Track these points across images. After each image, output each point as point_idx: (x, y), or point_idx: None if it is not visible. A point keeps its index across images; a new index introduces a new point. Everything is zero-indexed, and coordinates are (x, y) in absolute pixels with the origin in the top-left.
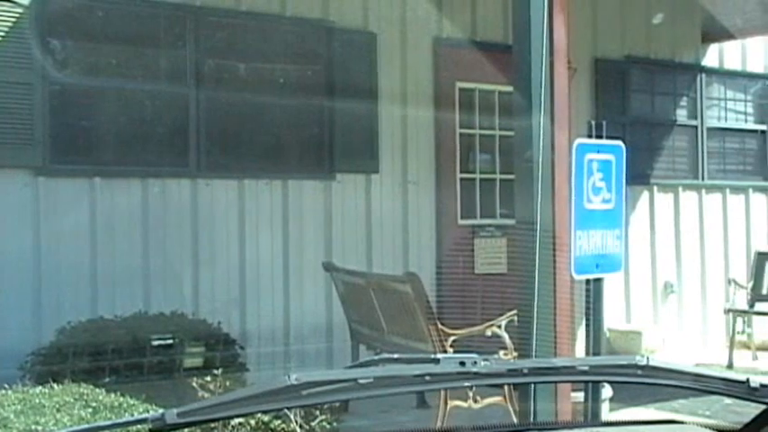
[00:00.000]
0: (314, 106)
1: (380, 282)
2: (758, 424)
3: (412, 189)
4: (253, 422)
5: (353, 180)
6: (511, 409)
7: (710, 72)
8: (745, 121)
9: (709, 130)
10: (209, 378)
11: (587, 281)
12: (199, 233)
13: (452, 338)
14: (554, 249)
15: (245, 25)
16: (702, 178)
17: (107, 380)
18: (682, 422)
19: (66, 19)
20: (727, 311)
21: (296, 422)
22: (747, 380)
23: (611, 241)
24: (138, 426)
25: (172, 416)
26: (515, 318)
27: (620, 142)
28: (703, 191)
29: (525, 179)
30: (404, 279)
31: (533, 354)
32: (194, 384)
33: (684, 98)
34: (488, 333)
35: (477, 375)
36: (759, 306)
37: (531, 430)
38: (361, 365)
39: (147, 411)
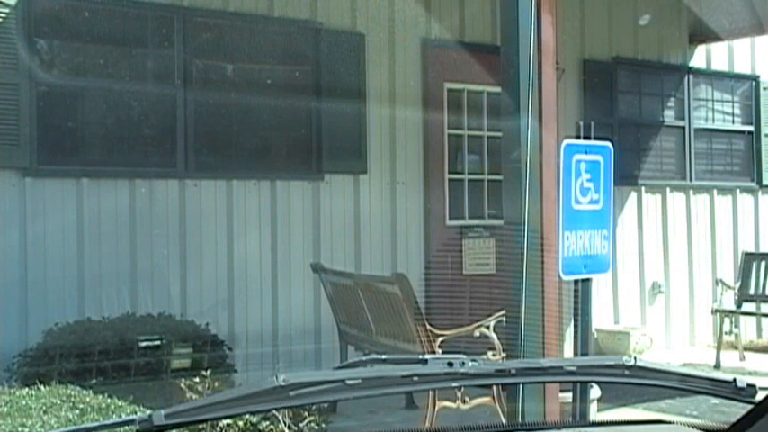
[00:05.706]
0: (302, 107)
1: (369, 282)
2: (744, 423)
3: (400, 190)
4: (241, 423)
5: (342, 180)
6: (499, 409)
7: (698, 73)
8: (733, 122)
9: (697, 130)
10: (197, 379)
11: (575, 281)
12: (187, 234)
13: (440, 339)
14: (542, 250)
15: (232, 26)
16: (690, 179)
17: (94, 381)
18: (669, 422)
19: (52, 19)
20: (715, 312)
21: (284, 423)
22: (734, 380)
23: (599, 242)
24: (126, 427)
25: (159, 417)
26: (503, 318)
27: (607, 143)
28: (691, 192)
29: (513, 180)
30: (392, 280)
31: (521, 354)
32: (182, 385)
33: (672, 99)
34: (476, 334)
35: (465, 376)
36: (746, 306)
37: (520, 431)
38: (349, 366)
39: (135, 413)
